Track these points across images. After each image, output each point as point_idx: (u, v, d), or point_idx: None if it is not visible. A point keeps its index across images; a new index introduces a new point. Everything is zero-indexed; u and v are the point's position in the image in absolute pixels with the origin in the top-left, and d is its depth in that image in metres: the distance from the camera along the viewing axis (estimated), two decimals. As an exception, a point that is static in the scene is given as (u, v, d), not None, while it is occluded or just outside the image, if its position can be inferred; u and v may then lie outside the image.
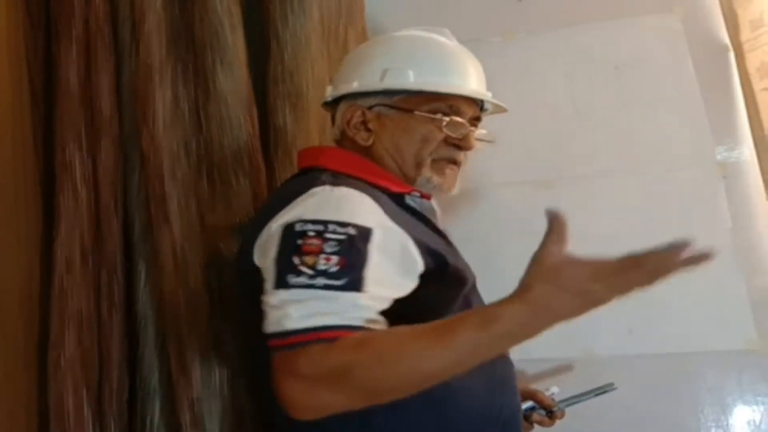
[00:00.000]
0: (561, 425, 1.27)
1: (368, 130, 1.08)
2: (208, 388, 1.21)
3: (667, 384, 1.30)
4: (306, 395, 0.79)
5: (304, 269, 0.83)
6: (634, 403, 1.30)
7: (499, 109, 1.19)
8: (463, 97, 1.09)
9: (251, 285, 0.94)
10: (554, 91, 1.48)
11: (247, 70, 1.36)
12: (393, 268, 0.90)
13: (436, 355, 0.79)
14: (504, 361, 1.03)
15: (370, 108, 1.09)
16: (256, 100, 1.37)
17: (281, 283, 0.84)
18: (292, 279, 0.83)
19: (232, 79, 1.32)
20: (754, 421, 1.29)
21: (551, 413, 1.20)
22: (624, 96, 1.46)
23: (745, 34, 1.46)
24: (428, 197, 1.09)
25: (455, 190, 1.11)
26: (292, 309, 0.81)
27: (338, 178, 0.97)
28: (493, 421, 0.98)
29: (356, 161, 1.06)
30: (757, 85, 1.43)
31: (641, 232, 1.38)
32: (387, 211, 0.94)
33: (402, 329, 0.82)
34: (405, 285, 0.91)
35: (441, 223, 1.12)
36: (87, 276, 1.28)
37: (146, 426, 1.26)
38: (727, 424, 1.30)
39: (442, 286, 0.96)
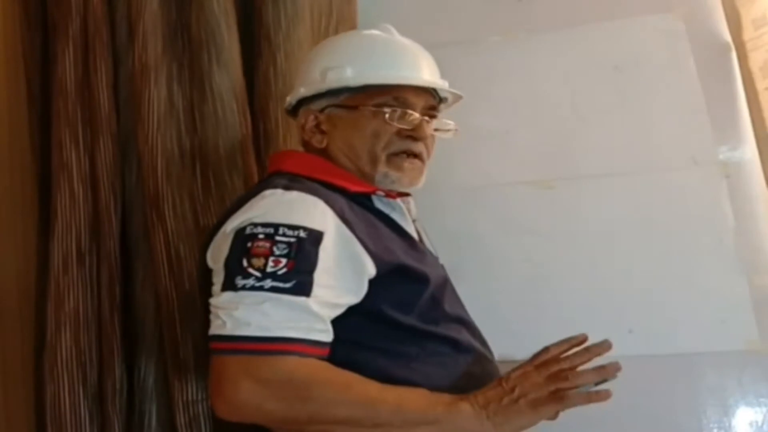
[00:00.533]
0: (561, 425, 1.26)
1: (322, 132, 1.09)
2: (203, 390, 1.21)
3: (668, 384, 1.29)
4: (256, 399, 0.81)
5: (252, 271, 0.84)
6: (635, 404, 1.28)
7: (457, 97, 1.17)
8: (409, 88, 1.07)
9: (204, 287, 0.96)
10: (555, 91, 1.48)
11: (242, 70, 1.36)
12: (343, 273, 0.90)
13: (389, 409, 0.83)
14: (478, 357, 1.02)
15: (321, 110, 1.09)
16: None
17: (229, 285, 0.85)
18: (240, 281, 0.84)
19: (228, 78, 1.32)
20: (756, 422, 1.28)
21: None
22: (625, 96, 1.45)
23: (747, 33, 1.45)
24: (393, 196, 1.08)
25: (419, 184, 1.09)
26: (245, 313, 0.82)
27: (294, 182, 0.97)
28: None
29: (316, 163, 1.07)
30: (760, 84, 1.42)
31: (642, 232, 1.38)
32: (340, 215, 0.94)
33: (365, 378, 0.86)
34: (357, 290, 0.92)
35: (410, 222, 1.10)
36: (84, 276, 1.29)
37: (144, 426, 1.26)
38: (729, 425, 1.28)
39: (399, 288, 0.96)
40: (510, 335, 1.25)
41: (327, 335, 0.87)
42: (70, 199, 1.29)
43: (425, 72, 1.10)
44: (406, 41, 1.13)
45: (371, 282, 0.93)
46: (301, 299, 0.84)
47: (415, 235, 1.10)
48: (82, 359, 1.25)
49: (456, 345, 0.99)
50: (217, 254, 0.93)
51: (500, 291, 1.38)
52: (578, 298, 1.35)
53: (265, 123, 1.36)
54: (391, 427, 0.84)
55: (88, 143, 1.33)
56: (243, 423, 0.89)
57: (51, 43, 1.39)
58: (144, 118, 1.28)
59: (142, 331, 1.30)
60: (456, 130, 1.15)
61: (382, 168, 1.06)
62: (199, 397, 1.21)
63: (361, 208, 1.01)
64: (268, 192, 0.94)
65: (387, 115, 1.04)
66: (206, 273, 0.96)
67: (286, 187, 0.95)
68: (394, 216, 1.07)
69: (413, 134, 1.06)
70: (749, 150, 1.39)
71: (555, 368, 0.87)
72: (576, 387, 0.86)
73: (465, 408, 0.85)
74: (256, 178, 1.32)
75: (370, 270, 0.92)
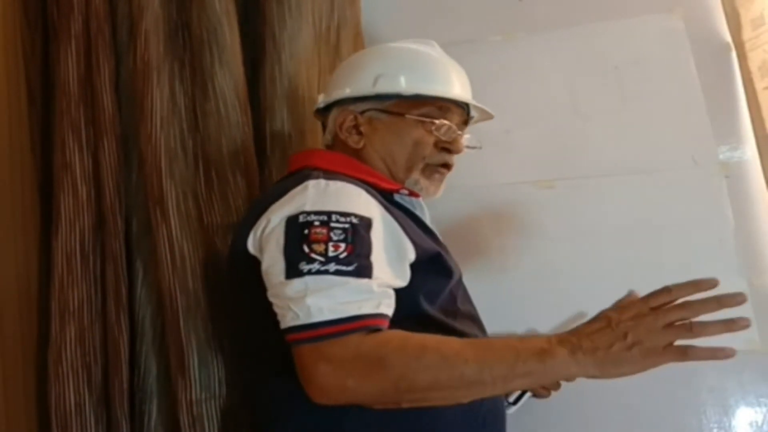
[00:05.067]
0: (561, 425, 1.26)
1: (359, 133, 1.13)
2: (207, 390, 1.21)
3: (668, 385, 1.29)
4: (336, 381, 0.81)
5: (315, 256, 0.85)
6: (636, 404, 1.29)
7: (486, 116, 1.23)
8: (452, 103, 1.13)
9: (245, 275, 0.96)
10: (555, 91, 1.48)
11: (244, 69, 1.36)
12: (390, 257, 0.92)
13: (470, 364, 0.80)
14: None
15: (362, 113, 1.13)
16: (250, 100, 1.38)
17: (293, 272, 0.85)
18: (305, 266, 0.84)
19: (230, 77, 1.32)
20: (756, 422, 1.28)
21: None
22: (625, 96, 1.45)
23: (746, 33, 1.45)
24: (417, 195, 1.12)
25: (438, 196, 1.14)
26: (316, 300, 0.82)
27: (330, 174, 0.99)
28: (474, 421, 0.98)
29: (346, 161, 1.10)
30: (759, 84, 1.42)
31: (642, 232, 1.38)
32: (381, 203, 0.98)
33: (444, 337, 0.84)
34: (403, 274, 0.93)
35: (429, 221, 1.14)
36: (88, 275, 1.28)
37: (144, 426, 1.26)
38: (729, 425, 1.29)
39: (429, 278, 0.98)
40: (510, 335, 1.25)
41: (391, 309, 0.88)
42: (73, 199, 1.29)
43: (466, 90, 1.17)
44: (450, 59, 1.19)
45: (412, 268, 0.95)
46: (364, 281, 0.85)
47: (436, 232, 1.14)
48: (87, 359, 1.25)
49: None
50: (266, 244, 0.92)
51: (500, 291, 1.38)
52: (578, 298, 1.34)
53: (270, 122, 1.36)
54: (484, 385, 0.82)
55: (92, 143, 1.32)
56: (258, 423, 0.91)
57: (52, 43, 1.38)
58: (147, 117, 1.28)
59: (142, 331, 1.30)
60: (481, 147, 1.21)
61: (415, 176, 1.11)
62: (203, 397, 1.20)
63: (390, 204, 1.03)
64: (311, 182, 0.95)
65: (434, 127, 1.10)
66: (242, 262, 0.96)
67: (328, 178, 0.97)
68: (417, 212, 1.11)
69: (451, 147, 1.13)
70: (749, 150, 1.40)
71: (676, 316, 0.81)
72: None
73: (561, 355, 0.81)
74: (257, 178, 1.32)
75: (411, 255, 0.95)
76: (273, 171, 1.35)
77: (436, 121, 1.10)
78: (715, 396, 1.30)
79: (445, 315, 1.00)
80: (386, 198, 1.05)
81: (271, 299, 0.89)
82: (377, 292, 0.86)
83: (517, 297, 1.38)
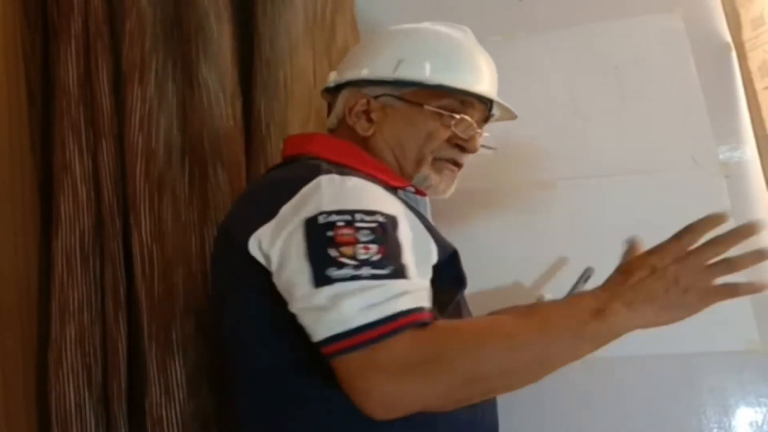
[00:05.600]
0: (561, 425, 1.26)
1: (370, 120, 1.05)
2: (165, 394, 1.20)
3: (668, 385, 1.29)
4: (398, 389, 0.73)
5: (345, 261, 0.76)
6: (635, 404, 1.29)
7: (508, 115, 1.16)
8: (475, 98, 1.06)
9: (246, 278, 0.88)
10: (555, 91, 1.48)
11: (234, 61, 1.34)
12: (418, 259, 0.84)
13: (534, 342, 0.76)
14: None
15: (376, 98, 1.05)
16: (241, 92, 1.35)
17: (322, 280, 0.76)
18: (335, 272, 0.75)
19: (215, 69, 1.30)
20: (756, 422, 1.28)
21: None
22: (625, 96, 1.45)
23: (746, 33, 1.45)
24: (423, 194, 1.06)
25: (448, 195, 1.08)
26: (352, 303, 0.74)
27: (339, 168, 0.90)
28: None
29: (350, 150, 1.01)
30: (759, 84, 1.42)
31: (642, 232, 1.37)
32: (401, 200, 0.91)
33: (496, 317, 0.79)
34: (427, 274, 0.86)
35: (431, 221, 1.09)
36: (87, 276, 1.28)
37: (144, 426, 1.26)
38: (730, 426, 1.28)
39: (444, 284, 0.89)
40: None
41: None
42: (73, 200, 1.29)
43: (494, 85, 1.09)
44: (481, 49, 1.10)
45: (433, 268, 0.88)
46: (402, 281, 0.77)
47: None
48: (87, 360, 1.25)
49: None
50: (279, 247, 0.82)
51: (500, 291, 1.38)
52: (578, 298, 1.35)
53: (251, 111, 1.34)
54: (553, 359, 0.78)
55: (91, 144, 1.32)
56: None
57: (51, 43, 1.39)
58: (127, 119, 1.28)
59: (142, 331, 1.30)
60: (496, 148, 1.14)
61: (425, 170, 1.04)
62: (163, 401, 1.20)
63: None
64: (324, 178, 0.85)
65: (453, 122, 1.02)
66: (237, 259, 0.87)
67: (341, 173, 0.88)
68: (422, 211, 1.03)
69: (466, 146, 1.05)
70: (749, 150, 1.39)
71: (712, 254, 0.79)
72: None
73: (621, 311, 0.78)
74: (243, 170, 1.30)
75: (434, 257, 0.88)
76: (252, 160, 1.33)
77: (456, 116, 1.02)
78: (715, 396, 1.30)
79: (452, 316, 0.93)
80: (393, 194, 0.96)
81: (296, 312, 0.79)
82: (418, 285, 0.79)
83: (516, 297, 1.38)
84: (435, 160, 1.04)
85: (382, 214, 0.82)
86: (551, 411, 1.29)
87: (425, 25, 1.11)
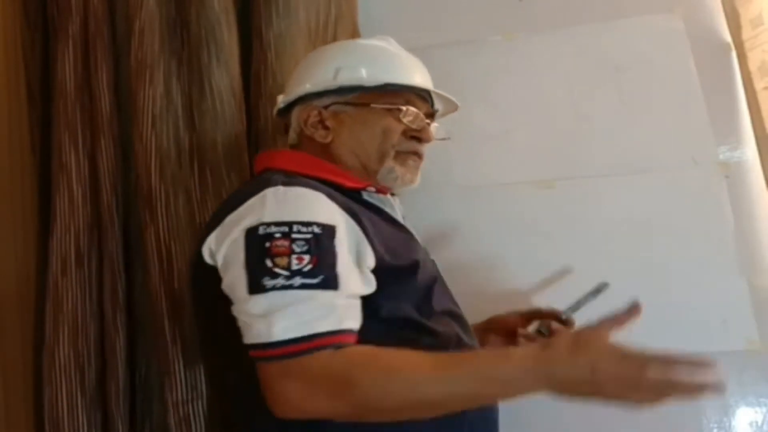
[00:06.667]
0: (561, 425, 1.26)
1: (326, 128, 1.10)
2: (194, 390, 1.21)
3: (668, 385, 1.29)
4: (304, 399, 0.80)
5: (278, 270, 0.83)
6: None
7: (450, 108, 1.21)
8: (414, 95, 1.11)
9: (207, 285, 0.93)
10: (555, 91, 1.47)
11: (240, 68, 1.36)
12: (355, 263, 0.91)
13: (437, 382, 0.80)
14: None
15: (325, 107, 1.10)
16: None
17: (257, 288, 0.83)
18: (269, 282, 0.83)
19: (227, 76, 1.32)
20: (756, 422, 1.28)
21: (563, 322, 1.22)
22: (625, 96, 1.45)
23: (746, 33, 1.45)
24: (384, 192, 1.10)
25: (416, 184, 1.11)
26: (280, 317, 0.81)
27: (291, 178, 0.97)
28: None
29: (310, 161, 1.07)
30: (758, 84, 1.42)
31: (642, 232, 1.38)
32: (344, 207, 0.95)
33: (407, 352, 0.83)
34: (368, 281, 0.91)
35: (401, 217, 1.12)
36: (82, 277, 1.28)
37: (145, 427, 1.26)
38: (729, 425, 1.28)
39: (393, 279, 0.95)
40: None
41: (357, 322, 0.86)
42: (69, 201, 1.29)
43: (427, 81, 1.15)
44: (408, 53, 1.16)
45: (373, 273, 0.92)
46: (330, 293, 0.84)
47: (409, 228, 1.12)
48: (81, 362, 1.25)
49: (447, 339, 0.99)
50: (227, 258, 0.90)
51: (500, 291, 1.38)
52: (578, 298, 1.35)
53: (256, 122, 1.35)
54: (454, 402, 0.81)
55: (89, 145, 1.32)
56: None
57: (51, 43, 1.39)
58: (138, 116, 1.28)
59: (143, 332, 1.30)
60: (449, 138, 1.19)
61: (389, 163, 1.08)
62: (189, 398, 1.20)
63: (355, 203, 1.01)
64: (270, 190, 0.93)
65: (401, 114, 1.08)
66: (200, 268, 0.95)
67: (286, 184, 0.94)
68: (387, 209, 1.09)
69: (421, 135, 1.10)
70: (749, 150, 1.40)
71: (663, 381, 0.80)
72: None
73: (543, 384, 0.79)
74: (250, 176, 1.31)
75: (370, 261, 0.92)
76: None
77: (403, 108, 1.08)
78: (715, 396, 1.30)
79: (420, 314, 0.98)
80: (353, 197, 1.02)
81: (235, 314, 0.87)
82: (342, 305, 0.84)
83: (516, 297, 1.38)
84: (397, 153, 1.09)
85: (318, 224, 0.88)
86: (551, 410, 1.28)
87: (351, 40, 1.20)
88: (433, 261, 1.12)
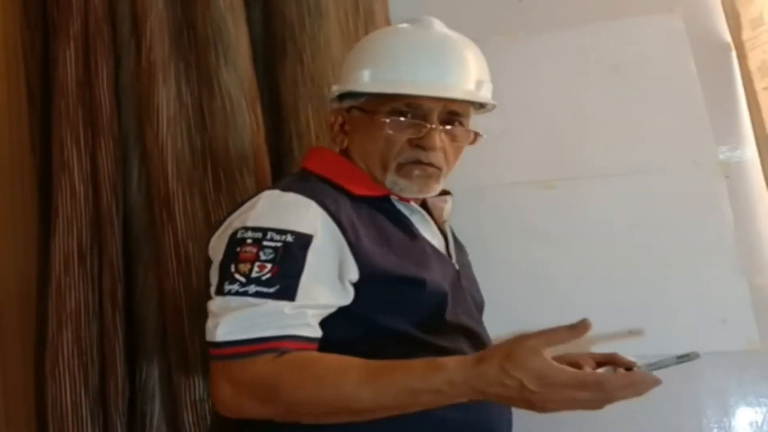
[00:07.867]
0: (561, 425, 1.26)
1: (344, 132, 1.08)
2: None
3: (668, 385, 1.29)
4: (234, 400, 0.84)
5: (237, 277, 0.86)
6: (635, 404, 1.28)
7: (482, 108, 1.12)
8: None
9: (208, 280, 0.97)
10: (555, 91, 1.47)
11: (252, 66, 1.35)
12: (330, 274, 0.91)
13: (365, 392, 0.80)
14: None
15: (348, 110, 1.07)
16: (269, 101, 1.37)
17: (218, 289, 0.88)
18: (227, 286, 0.86)
19: (236, 76, 1.32)
20: (756, 422, 1.28)
21: None
22: (625, 96, 1.45)
23: (746, 33, 1.45)
24: (407, 200, 1.06)
25: (434, 192, 1.06)
26: (225, 320, 0.84)
27: (300, 181, 0.99)
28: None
29: (336, 162, 1.07)
30: (759, 84, 1.42)
31: (642, 232, 1.38)
32: (335, 216, 0.93)
33: (344, 359, 0.83)
34: (343, 292, 0.92)
35: (432, 225, 1.09)
36: (85, 275, 1.28)
37: (145, 427, 1.26)
38: (729, 426, 1.29)
39: (393, 293, 0.94)
40: (510, 336, 1.24)
41: (311, 330, 0.87)
42: (71, 199, 1.29)
43: (452, 75, 1.02)
44: (437, 38, 1.05)
45: (359, 286, 0.92)
46: (282, 303, 0.85)
47: (435, 238, 1.08)
48: (84, 359, 1.25)
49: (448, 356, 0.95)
50: (214, 251, 0.95)
51: (500, 291, 1.38)
52: (578, 299, 1.35)
53: (296, 123, 1.35)
54: (383, 410, 0.82)
55: (89, 144, 1.32)
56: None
57: (51, 43, 1.39)
58: (153, 118, 1.28)
59: (144, 332, 1.30)
60: (475, 140, 1.08)
61: (390, 176, 1.03)
62: (206, 396, 1.21)
63: (372, 210, 1.00)
64: (266, 194, 0.96)
65: (386, 126, 1.01)
66: (208, 266, 0.98)
67: (285, 188, 0.96)
68: (413, 219, 1.06)
69: (421, 143, 1.01)
70: (749, 150, 1.40)
71: (599, 399, 0.82)
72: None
73: (468, 394, 0.79)
74: (268, 177, 1.32)
75: (353, 275, 0.92)
76: (283, 169, 1.35)
77: (402, 119, 1.01)
78: (715, 396, 1.30)
79: (421, 330, 0.95)
80: (375, 204, 1.01)
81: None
82: (292, 314, 0.85)
83: (516, 297, 1.38)
84: (399, 165, 1.03)
85: (293, 233, 0.89)
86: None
87: (380, 30, 1.14)
88: (458, 272, 1.08)
